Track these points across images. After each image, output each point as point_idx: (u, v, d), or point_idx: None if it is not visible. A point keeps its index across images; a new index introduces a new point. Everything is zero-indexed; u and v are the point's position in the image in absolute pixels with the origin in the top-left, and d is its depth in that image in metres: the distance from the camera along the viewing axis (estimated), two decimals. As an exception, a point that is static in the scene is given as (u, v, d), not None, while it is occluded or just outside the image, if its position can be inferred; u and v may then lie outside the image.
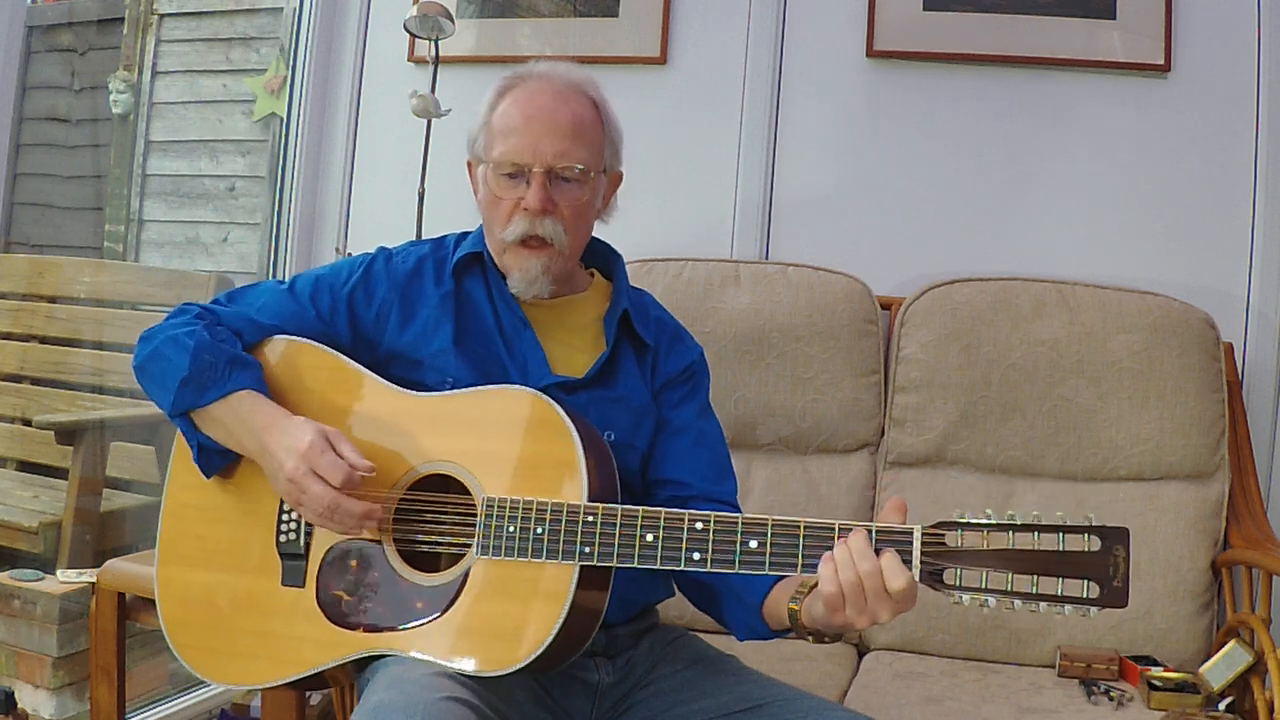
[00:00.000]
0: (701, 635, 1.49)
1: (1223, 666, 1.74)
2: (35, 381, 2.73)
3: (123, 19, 3.07)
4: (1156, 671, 1.79)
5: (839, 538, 1.14)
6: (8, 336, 2.77)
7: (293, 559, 1.31)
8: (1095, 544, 1.09)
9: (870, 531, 1.13)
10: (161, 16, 3.08)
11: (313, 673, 1.28)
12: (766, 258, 2.38)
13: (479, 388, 1.33)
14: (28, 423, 2.67)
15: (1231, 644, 1.75)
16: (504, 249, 1.41)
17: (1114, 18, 2.23)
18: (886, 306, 2.21)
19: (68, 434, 2.47)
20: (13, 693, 1.82)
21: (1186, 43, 2.21)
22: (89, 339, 2.73)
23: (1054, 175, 2.27)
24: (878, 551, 1.11)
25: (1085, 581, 1.08)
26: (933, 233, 2.31)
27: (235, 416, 1.31)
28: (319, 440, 1.25)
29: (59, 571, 2.19)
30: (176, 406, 1.33)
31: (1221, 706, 1.72)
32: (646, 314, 1.53)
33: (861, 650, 2.04)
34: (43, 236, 3.05)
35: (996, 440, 2.05)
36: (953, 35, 2.29)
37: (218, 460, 1.36)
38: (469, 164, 1.49)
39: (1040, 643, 1.94)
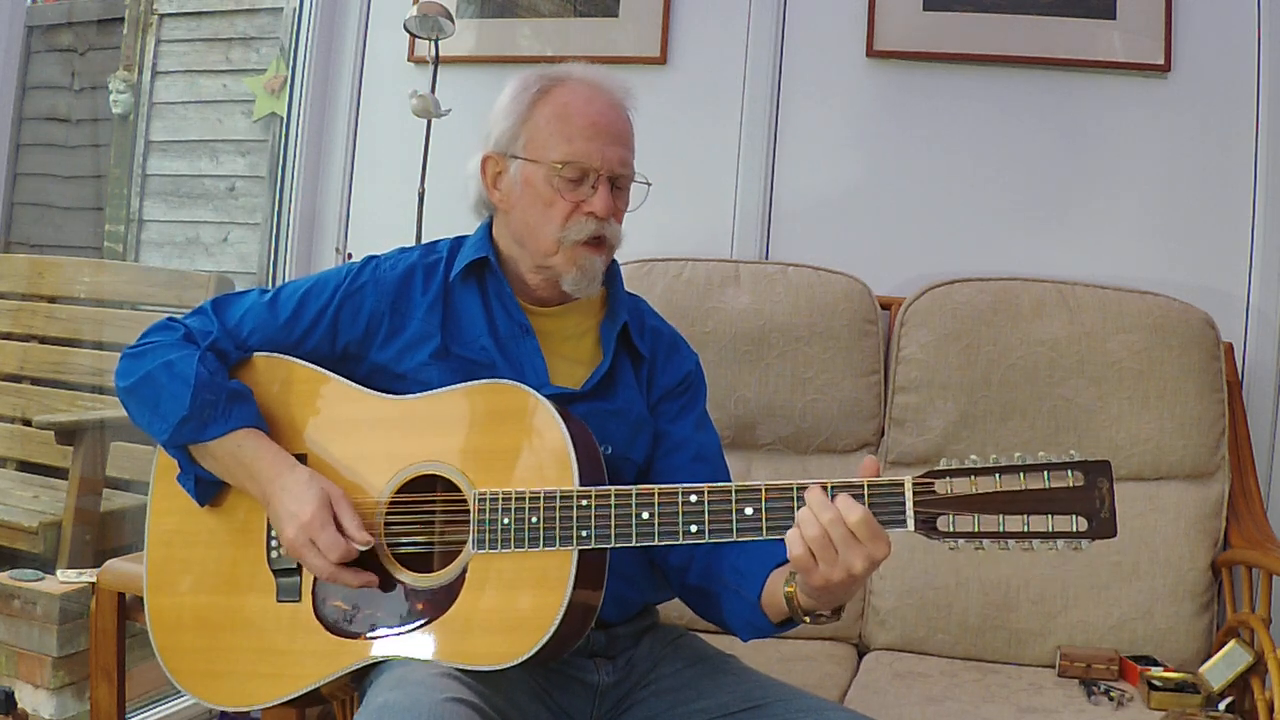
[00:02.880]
0: (701, 635, 1.49)
1: (1223, 666, 1.74)
2: (35, 381, 2.73)
3: (123, 19, 3.07)
4: (1156, 671, 1.79)
5: (807, 490, 1.15)
6: (8, 336, 2.77)
7: (286, 574, 1.31)
8: (1079, 479, 1.11)
9: (864, 488, 1.14)
10: (161, 16, 3.08)
11: (318, 685, 1.27)
12: (766, 258, 2.38)
13: (457, 385, 1.32)
14: (28, 423, 2.67)
15: (1231, 644, 1.75)
16: (558, 247, 1.39)
17: (1114, 18, 2.23)
18: (886, 306, 2.21)
19: (68, 434, 2.47)
20: (13, 693, 1.81)
21: (1186, 43, 2.21)
22: (89, 339, 2.73)
23: (1054, 175, 2.27)
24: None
25: (1074, 516, 1.11)
26: (933, 233, 2.31)
27: (235, 459, 1.32)
28: (321, 513, 1.25)
29: (59, 571, 2.19)
30: (174, 440, 1.33)
31: (1221, 706, 1.72)
32: (642, 323, 1.52)
33: (861, 650, 2.04)
34: (43, 236, 3.05)
35: (996, 440, 2.05)
36: (953, 35, 2.29)
37: (213, 490, 1.36)
38: (488, 158, 1.44)
39: (1040, 643, 1.94)
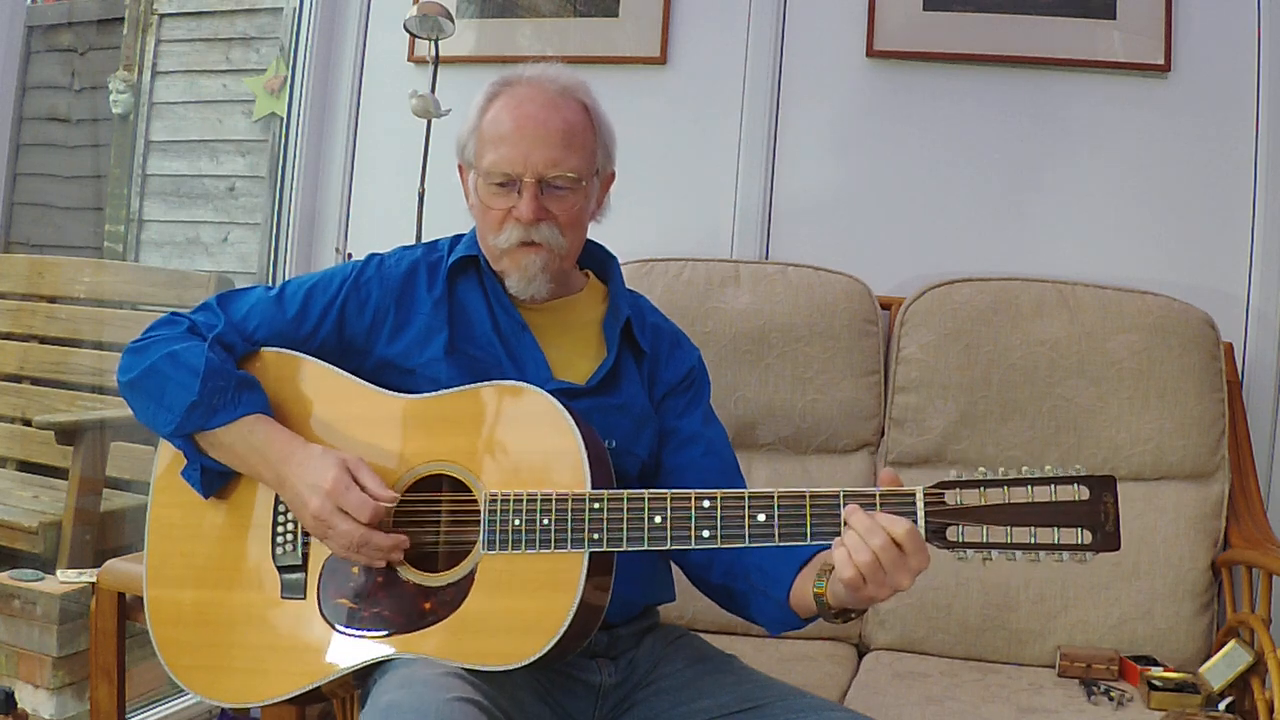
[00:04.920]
0: (703, 635, 1.49)
1: (1223, 666, 1.74)
2: (35, 381, 2.73)
3: (123, 19, 3.07)
4: (1156, 671, 1.79)
5: (845, 507, 1.16)
6: (8, 336, 2.77)
7: (291, 571, 1.31)
8: (1084, 493, 1.14)
9: (875, 497, 1.16)
10: (161, 16, 3.08)
11: (321, 683, 1.27)
12: (766, 258, 2.38)
13: (469, 385, 1.32)
14: (28, 423, 2.67)
15: (1231, 644, 1.75)
16: (499, 254, 1.41)
17: (1114, 18, 2.23)
18: (886, 306, 2.21)
19: (68, 434, 2.46)
20: (13, 693, 1.81)
21: (1186, 43, 2.21)
22: (89, 339, 2.73)
23: (1054, 175, 2.27)
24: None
25: (1079, 529, 1.14)
26: (933, 233, 2.31)
27: (246, 443, 1.31)
28: (343, 476, 1.24)
29: (59, 571, 2.18)
30: (181, 429, 1.31)
31: (1221, 706, 1.72)
32: (643, 319, 1.52)
33: (861, 650, 2.04)
34: (43, 236, 3.04)
35: (996, 440, 2.05)
36: (953, 35, 2.29)
37: (218, 481, 1.35)
38: (460, 168, 1.48)
39: (1040, 643, 1.94)
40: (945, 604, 1.98)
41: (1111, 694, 1.76)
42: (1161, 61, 2.21)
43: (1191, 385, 2.00)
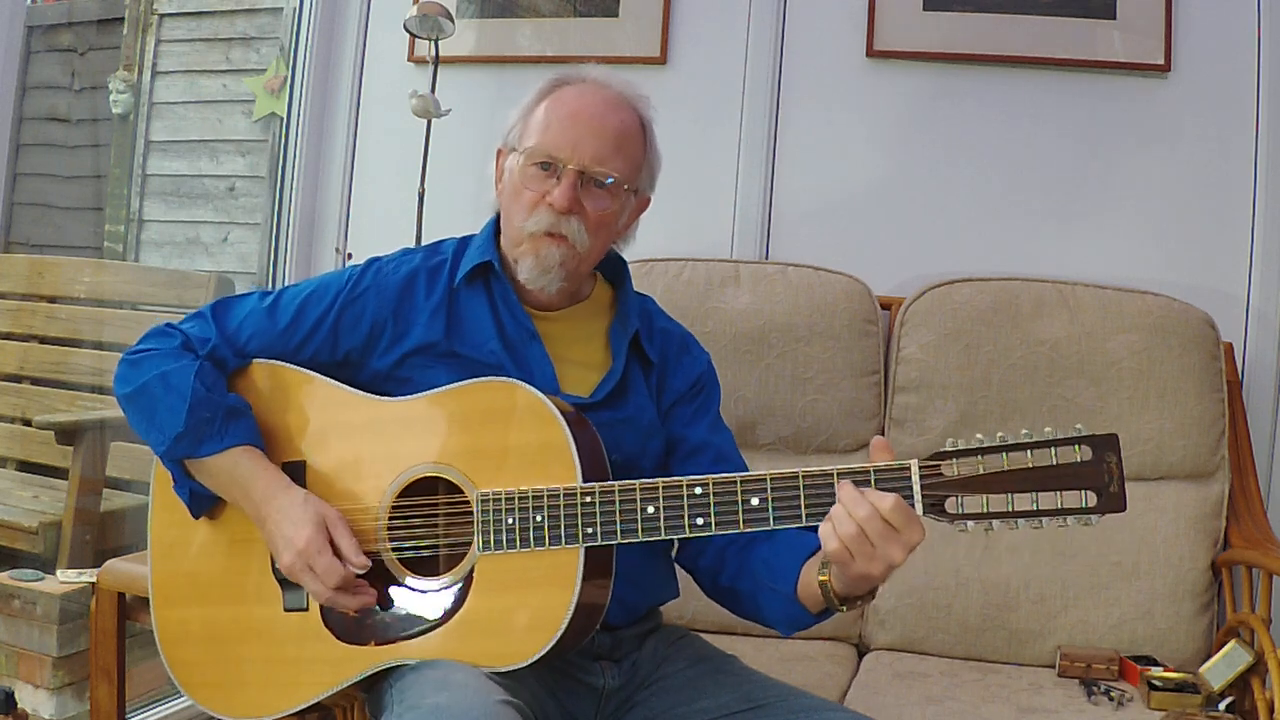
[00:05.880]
0: (703, 635, 1.49)
1: (1223, 666, 1.74)
2: (35, 381, 2.73)
3: (123, 19, 3.07)
4: (1156, 671, 1.79)
5: (839, 485, 1.14)
6: (8, 336, 2.78)
7: (291, 585, 1.30)
8: (1087, 454, 1.10)
9: (869, 473, 1.14)
10: (161, 16, 3.08)
11: (332, 692, 1.27)
12: (766, 258, 2.38)
13: (453, 385, 1.30)
14: (28, 423, 2.67)
15: (1231, 644, 1.75)
16: (521, 239, 1.37)
17: (1114, 18, 2.23)
18: (886, 306, 2.21)
19: (68, 434, 2.46)
20: (13, 693, 1.81)
21: (1186, 43, 2.21)
22: (89, 339, 2.73)
23: (1054, 175, 2.27)
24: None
25: (1083, 492, 1.10)
26: (933, 233, 2.31)
27: (231, 477, 1.30)
28: (316, 538, 1.23)
29: (59, 571, 2.18)
30: (170, 455, 1.31)
31: (1221, 706, 1.72)
32: (651, 325, 1.50)
33: (861, 650, 2.04)
34: (43, 236, 3.05)
35: (996, 440, 2.05)
36: (953, 35, 2.29)
37: (206, 504, 1.35)
38: (499, 151, 1.45)
39: (1040, 643, 1.94)
40: (945, 604, 1.98)
41: (1111, 694, 1.76)
42: (1161, 61, 2.21)
43: (1191, 385, 2.00)
